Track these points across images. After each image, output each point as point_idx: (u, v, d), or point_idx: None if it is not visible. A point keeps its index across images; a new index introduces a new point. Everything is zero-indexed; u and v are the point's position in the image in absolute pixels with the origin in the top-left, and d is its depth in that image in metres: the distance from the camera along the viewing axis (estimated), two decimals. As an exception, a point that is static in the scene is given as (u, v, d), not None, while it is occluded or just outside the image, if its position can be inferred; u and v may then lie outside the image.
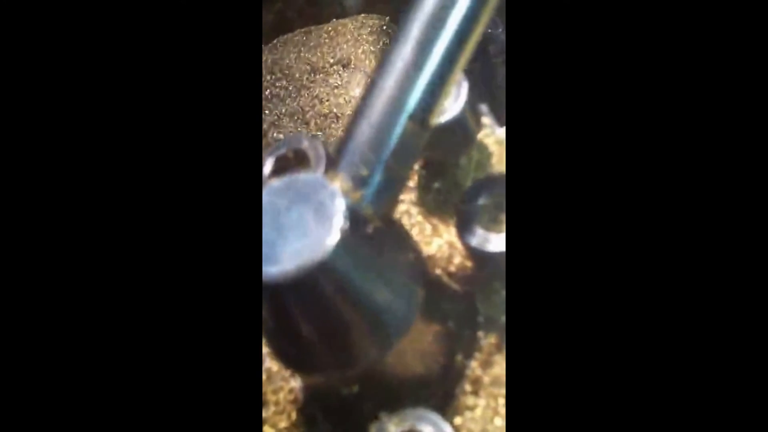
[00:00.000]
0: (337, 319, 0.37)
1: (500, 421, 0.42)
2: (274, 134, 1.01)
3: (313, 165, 0.46)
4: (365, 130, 0.40)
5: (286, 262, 0.35)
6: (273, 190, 0.38)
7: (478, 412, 0.42)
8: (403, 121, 0.40)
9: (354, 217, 0.37)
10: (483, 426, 0.42)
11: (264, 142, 0.99)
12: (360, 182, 0.39)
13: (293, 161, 0.47)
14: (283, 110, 1.01)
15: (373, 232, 0.38)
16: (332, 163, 0.40)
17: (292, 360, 0.40)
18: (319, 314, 0.37)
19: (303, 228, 0.36)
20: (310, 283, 0.36)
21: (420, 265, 0.42)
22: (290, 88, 1.02)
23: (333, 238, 0.35)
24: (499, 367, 0.43)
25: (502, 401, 0.43)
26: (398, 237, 0.42)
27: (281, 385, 0.46)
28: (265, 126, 1.00)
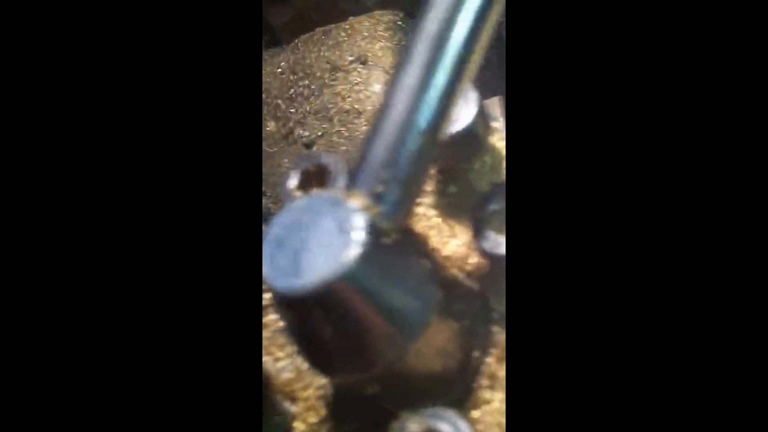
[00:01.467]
0: (357, 326, 0.40)
1: (516, 413, 0.45)
2: (300, 132, 1.04)
3: (333, 179, 0.49)
4: (379, 150, 0.42)
5: (310, 274, 0.39)
6: (297, 206, 0.41)
7: (495, 405, 0.46)
8: (414, 138, 0.42)
9: (373, 231, 0.40)
10: (499, 419, 0.45)
11: (290, 139, 1.02)
12: (377, 198, 0.42)
13: (315, 175, 0.50)
14: (308, 108, 1.04)
15: (391, 243, 0.41)
16: (352, 179, 0.43)
17: (316, 363, 0.43)
18: (341, 322, 0.40)
19: (326, 243, 0.39)
20: (333, 293, 0.39)
21: (436, 269, 0.45)
22: (313, 87, 1.05)
23: (353, 251, 0.39)
24: (514, 362, 0.46)
25: (517, 394, 0.45)
26: (415, 245, 0.45)
27: (310, 381, 0.49)
28: (290, 124, 1.04)
